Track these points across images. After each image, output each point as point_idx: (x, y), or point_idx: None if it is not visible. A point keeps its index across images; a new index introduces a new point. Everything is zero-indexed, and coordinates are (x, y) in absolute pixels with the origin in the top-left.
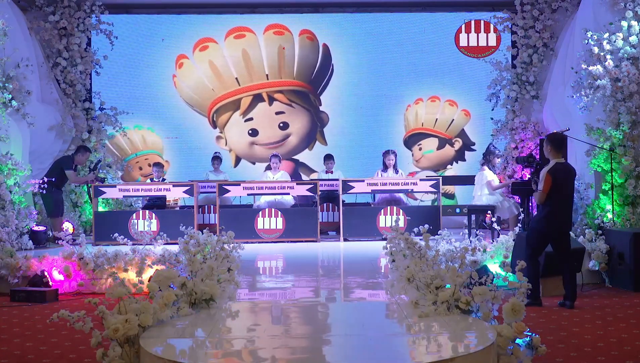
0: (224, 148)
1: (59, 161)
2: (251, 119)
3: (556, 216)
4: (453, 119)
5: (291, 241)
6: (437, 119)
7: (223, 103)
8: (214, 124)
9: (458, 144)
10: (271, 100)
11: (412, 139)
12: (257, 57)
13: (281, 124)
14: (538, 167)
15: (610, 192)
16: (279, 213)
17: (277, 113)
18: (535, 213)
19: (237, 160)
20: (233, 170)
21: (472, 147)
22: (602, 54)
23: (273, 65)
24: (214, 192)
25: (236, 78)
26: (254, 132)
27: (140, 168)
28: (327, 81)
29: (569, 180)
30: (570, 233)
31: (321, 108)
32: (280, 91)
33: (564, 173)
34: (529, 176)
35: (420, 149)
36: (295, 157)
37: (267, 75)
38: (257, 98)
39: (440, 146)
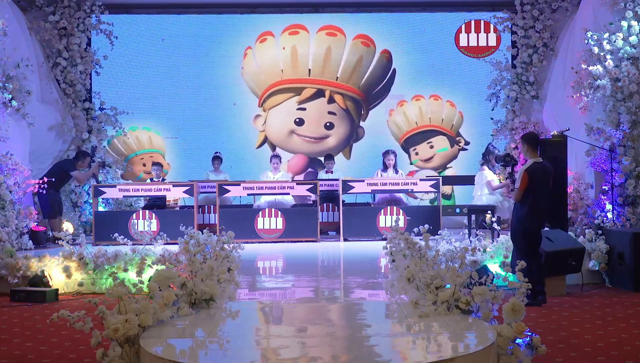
0: (257, 127)
1: (60, 164)
2: (304, 109)
3: (533, 214)
4: (454, 120)
5: (291, 241)
6: (443, 119)
7: (286, 86)
8: (261, 103)
9: (461, 143)
10: (331, 100)
11: (416, 138)
12: (337, 57)
13: (327, 124)
14: (515, 166)
15: (610, 192)
16: (279, 213)
17: (329, 113)
18: (515, 213)
19: (262, 143)
20: (254, 151)
21: (465, 147)
22: (602, 54)
23: (347, 69)
24: (214, 192)
25: (309, 69)
26: (300, 122)
27: (144, 165)
28: (381, 100)
29: (545, 179)
30: (570, 233)
31: (361, 123)
32: (341, 94)
33: (540, 171)
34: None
35: (432, 147)
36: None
37: (337, 77)
38: (320, 93)
39: (451, 145)
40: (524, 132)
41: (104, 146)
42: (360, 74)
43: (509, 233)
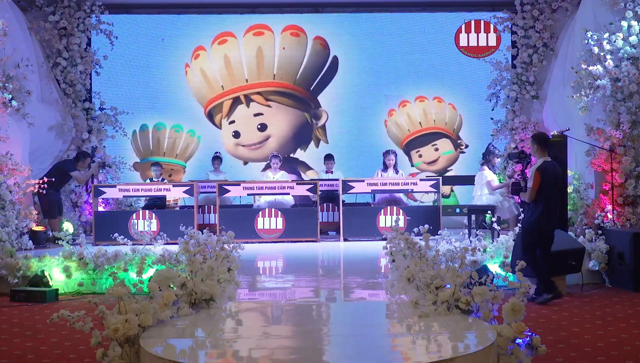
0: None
1: (60, 165)
2: (233, 121)
3: (547, 214)
4: (455, 123)
5: (291, 241)
6: (446, 122)
7: (214, 104)
8: (213, 122)
9: (462, 145)
10: (248, 101)
11: (420, 140)
12: (270, 56)
13: (259, 126)
14: (529, 163)
15: (610, 192)
16: (279, 213)
17: (255, 115)
18: (530, 213)
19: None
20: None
21: (464, 150)
22: (602, 54)
23: (282, 64)
24: (214, 192)
25: (247, 79)
26: (236, 134)
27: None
28: (325, 81)
29: (556, 178)
30: (570, 233)
31: (322, 107)
32: (258, 93)
33: (552, 170)
34: (518, 175)
35: (437, 149)
36: (295, 156)
37: (274, 74)
38: (237, 101)
39: (455, 147)
40: (524, 132)
41: (134, 132)
42: (295, 65)
43: (520, 232)
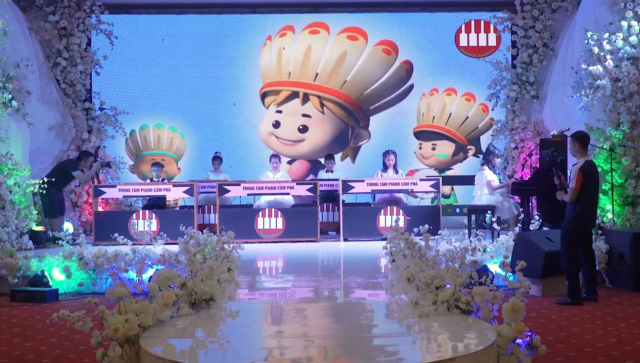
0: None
1: (63, 165)
2: (280, 111)
3: (585, 214)
4: (468, 116)
5: (291, 241)
6: (463, 122)
7: (272, 88)
8: (263, 103)
9: (471, 151)
10: (305, 100)
11: (425, 134)
12: (351, 62)
13: (300, 127)
14: (561, 160)
15: (610, 192)
16: (279, 213)
17: (303, 115)
18: (567, 213)
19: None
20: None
21: (478, 155)
22: (602, 54)
23: (358, 74)
24: (214, 192)
25: (317, 73)
26: (276, 124)
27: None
28: (387, 105)
29: (596, 177)
30: None
31: (369, 128)
32: (318, 96)
33: (592, 170)
34: (552, 172)
35: (433, 148)
36: (320, 159)
37: (346, 80)
38: (295, 94)
39: (456, 153)
40: (524, 132)
41: (126, 136)
42: (369, 82)
43: (561, 233)
